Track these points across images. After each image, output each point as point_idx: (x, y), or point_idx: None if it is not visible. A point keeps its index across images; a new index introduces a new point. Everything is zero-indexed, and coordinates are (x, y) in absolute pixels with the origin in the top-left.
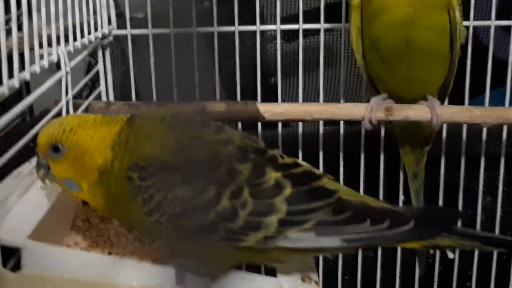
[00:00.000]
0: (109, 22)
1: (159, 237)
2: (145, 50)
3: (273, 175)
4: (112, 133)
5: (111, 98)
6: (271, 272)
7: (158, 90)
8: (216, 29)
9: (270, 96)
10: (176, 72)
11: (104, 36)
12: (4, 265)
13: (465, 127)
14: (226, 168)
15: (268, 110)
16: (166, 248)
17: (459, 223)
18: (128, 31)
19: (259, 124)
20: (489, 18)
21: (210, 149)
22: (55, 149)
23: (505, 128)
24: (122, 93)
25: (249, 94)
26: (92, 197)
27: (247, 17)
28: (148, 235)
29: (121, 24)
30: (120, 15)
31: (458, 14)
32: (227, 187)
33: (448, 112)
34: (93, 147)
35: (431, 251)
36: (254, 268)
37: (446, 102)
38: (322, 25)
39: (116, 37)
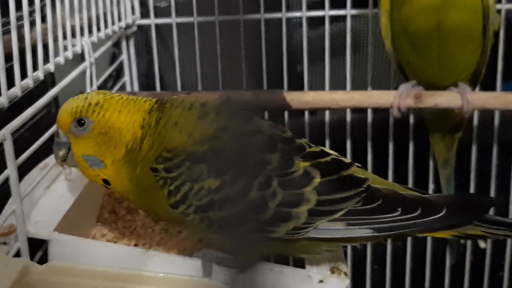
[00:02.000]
0: (133, 12)
1: (186, 228)
2: (169, 39)
3: (301, 165)
4: (142, 111)
5: (136, 88)
6: (299, 264)
7: (183, 80)
8: (241, 17)
9: (296, 84)
10: (201, 61)
11: (128, 26)
12: (32, 258)
13: (497, 114)
14: (255, 159)
15: (295, 98)
16: (192, 239)
17: (491, 212)
18: (152, 21)
19: (286, 112)
20: None
21: (238, 139)
22: (80, 123)
23: None
24: (147, 83)
25: (275, 83)
26: (115, 175)
27: (273, 4)
28: (174, 225)
29: (145, 14)
30: (143, 5)
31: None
32: (256, 178)
33: (480, 98)
34: (121, 121)
35: (462, 241)
36: (282, 260)
37: (477, 88)
38: (348, 11)
39: (140, 27)
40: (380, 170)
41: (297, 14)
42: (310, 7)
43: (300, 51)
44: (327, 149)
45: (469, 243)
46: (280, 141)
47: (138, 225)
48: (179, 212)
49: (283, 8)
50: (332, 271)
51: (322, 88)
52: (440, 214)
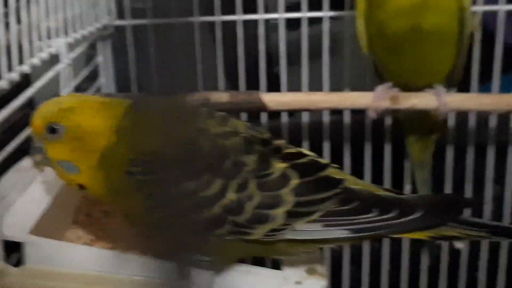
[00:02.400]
0: (109, 13)
1: (162, 231)
2: (146, 40)
3: (279, 166)
4: (116, 114)
5: (112, 90)
6: (276, 265)
7: (160, 81)
8: (218, 18)
9: (274, 86)
10: (178, 63)
11: (104, 27)
12: (7, 260)
13: (473, 115)
14: (231, 161)
15: (273, 100)
16: (169, 242)
17: (466, 213)
18: (128, 22)
19: (264, 114)
20: (497, 3)
21: (215, 141)
22: (52, 129)
23: None
24: (124, 85)
25: (253, 84)
26: (91, 180)
27: (250, 6)
28: (150, 229)
29: (121, 15)
30: (120, 5)
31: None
32: (233, 180)
33: (455, 100)
34: (95, 126)
35: (438, 242)
36: (259, 261)
37: (454, 90)
38: (325, 13)
39: (117, 28)
40: (357, 171)
41: (274, 15)
42: (287, 9)
43: (278, 53)
44: (304, 150)
45: (445, 244)
46: (257, 143)
47: (114, 228)
48: (155, 216)
49: (260, 10)
50: (309, 272)
51: (299, 89)
52: (416, 215)
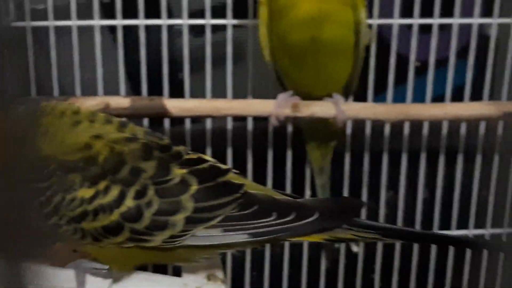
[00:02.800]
0: (8, 14)
1: (59, 239)
2: (46, 43)
3: (178, 172)
4: None
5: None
6: (177, 272)
7: (61, 85)
8: (120, 22)
9: (178, 92)
10: (79, 67)
11: (2, 29)
12: None
13: (368, 123)
14: (129, 167)
15: (176, 106)
16: (65, 251)
17: (363, 217)
18: (28, 23)
19: (167, 120)
20: (392, 16)
21: (112, 147)
22: None
23: (406, 124)
24: (23, 88)
25: (156, 90)
26: None
27: (155, 11)
28: (47, 237)
29: (21, 16)
30: (19, 6)
31: (363, 13)
32: (131, 186)
33: (352, 109)
34: None
35: (336, 245)
36: (160, 268)
37: (351, 99)
38: (229, 21)
39: (16, 30)
40: (260, 177)
41: (178, 21)
42: (192, 15)
43: (182, 59)
44: (204, 156)
45: (342, 247)
46: (157, 149)
47: None
48: (51, 224)
49: (164, 15)
50: (209, 278)
51: (203, 96)
52: (313, 218)
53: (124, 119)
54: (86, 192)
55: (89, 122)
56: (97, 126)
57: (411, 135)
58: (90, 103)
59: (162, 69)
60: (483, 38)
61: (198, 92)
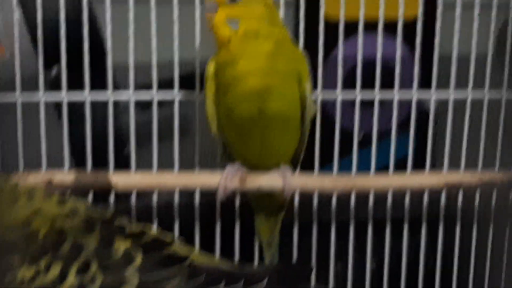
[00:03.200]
0: None
1: None
2: None
3: (122, 246)
4: None
5: None
6: None
7: (3, 160)
8: (65, 97)
9: (123, 167)
10: (23, 141)
11: None
12: None
13: (316, 195)
14: (71, 243)
15: (121, 180)
16: None
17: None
18: None
19: (112, 195)
20: (336, 90)
21: (52, 223)
22: None
23: (353, 195)
24: None
25: (101, 165)
26: None
27: (101, 85)
28: None
29: None
30: None
31: (308, 87)
32: (73, 262)
33: (299, 181)
34: None
35: None
36: None
37: (298, 171)
38: (176, 94)
39: None
40: (209, 250)
41: (124, 96)
42: (139, 89)
43: (128, 133)
44: (149, 228)
45: None
46: (99, 222)
47: None
48: None
49: (110, 91)
50: None
51: (149, 169)
52: (261, 285)
53: (64, 194)
54: (26, 272)
55: (28, 198)
56: (36, 202)
57: (358, 206)
58: (33, 179)
59: (108, 144)
60: (423, 111)
61: (144, 168)
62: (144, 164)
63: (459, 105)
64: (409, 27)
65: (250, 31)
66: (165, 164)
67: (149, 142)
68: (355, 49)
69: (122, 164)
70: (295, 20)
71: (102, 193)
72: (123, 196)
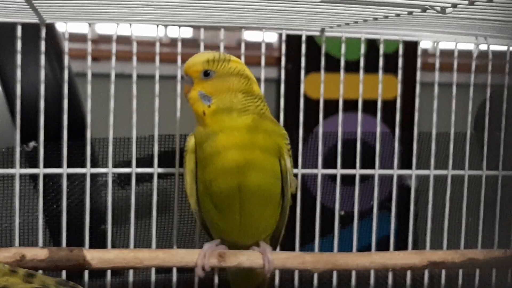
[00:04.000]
0: None
1: None
2: None
3: None
4: None
5: None
6: None
7: None
8: (41, 171)
9: (99, 244)
10: None
11: None
12: None
13: (296, 273)
14: None
15: (96, 256)
16: None
17: None
18: None
19: (86, 272)
20: (316, 167)
21: None
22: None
23: (334, 274)
24: None
25: (76, 241)
26: None
27: (79, 160)
28: None
29: None
30: None
31: (288, 163)
32: None
33: (279, 258)
34: None
35: None
36: None
37: (278, 248)
38: (155, 169)
39: None
40: None
41: (102, 170)
42: (118, 166)
43: (106, 209)
44: None
45: None
46: None
47: None
48: None
49: (88, 164)
50: None
51: (127, 246)
52: None
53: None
54: None
55: None
56: (2, 278)
57: (340, 285)
58: (3, 255)
59: (84, 220)
60: (404, 189)
61: (121, 244)
62: (121, 242)
63: (440, 182)
64: (389, 106)
65: (222, 107)
66: (143, 241)
67: (127, 219)
68: (336, 127)
69: (98, 242)
70: (276, 96)
71: (76, 269)
72: (98, 273)
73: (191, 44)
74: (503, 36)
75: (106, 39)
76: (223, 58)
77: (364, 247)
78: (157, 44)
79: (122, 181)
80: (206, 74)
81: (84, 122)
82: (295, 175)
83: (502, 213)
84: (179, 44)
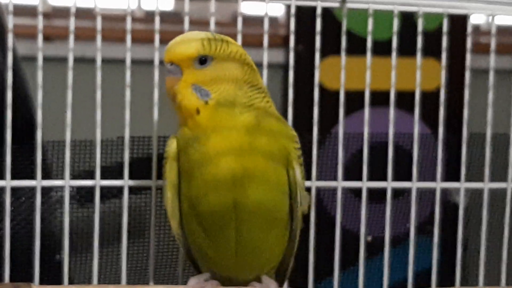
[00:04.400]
0: None
1: None
2: None
3: None
4: None
5: None
6: None
7: None
8: None
9: (54, 276)
10: None
11: None
12: None
13: None
14: None
15: None
16: None
17: None
18: None
19: None
20: (335, 178)
21: None
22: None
23: None
24: None
25: (24, 274)
26: None
27: (27, 169)
28: None
29: None
30: None
31: (299, 173)
32: None
33: None
34: None
35: None
36: None
37: (286, 284)
38: (126, 181)
39: None
40: None
41: (58, 182)
42: (76, 176)
43: (62, 233)
44: None
45: None
46: None
47: None
48: None
49: (39, 175)
50: None
51: (89, 282)
52: None
53: None
54: None
55: None
56: None
57: None
58: None
59: (34, 247)
60: (450, 207)
61: (82, 276)
62: (81, 275)
63: (497, 198)
64: (430, 100)
65: (223, 102)
66: (110, 274)
67: (90, 246)
68: (361, 126)
69: (52, 274)
70: (283, 87)
71: None
72: None
73: (172, 19)
74: None
75: (62, 12)
76: (220, 39)
77: (398, 283)
78: (128, 19)
79: (82, 196)
80: (202, 61)
81: (33, 120)
82: (308, 189)
83: None
84: (157, 20)
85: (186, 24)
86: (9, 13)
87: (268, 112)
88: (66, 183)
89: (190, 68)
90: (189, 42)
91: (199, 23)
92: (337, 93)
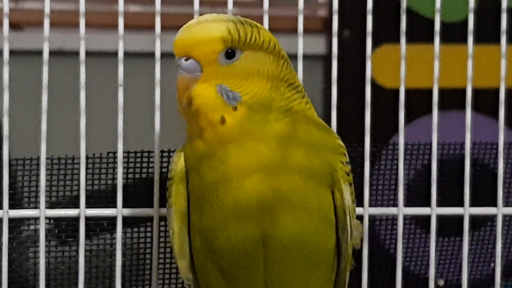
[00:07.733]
0: None
1: None
2: None
3: None
4: None
5: None
6: None
7: None
8: None
9: None
10: None
11: None
12: None
13: None
14: None
15: None
16: None
17: None
18: None
19: None
20: (395, 204)
21: None
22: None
23: None
24: None
25: None
26: None
27: None
28: None
29: None
30: None
31: (348, 196)
32: None
33: None
34: None
35: None
36: None
37: None
38: (119, 210)
39: None
40: None
41: (32, 212)
42: (54, 204)
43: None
44: None
45: None
46: None
47: None
48: None
49: (5, 203)
50: None
51: None
52: None
53: None
54: None
55: None
56: None
57: None
58: None
59: None
60: None
61: None
62: None
63: None
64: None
65: (256, 108)
66: None
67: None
68: (428, 135)
69: None
70: (325, 84)
71: None
72: None
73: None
74: None
75: None
76: (249, 23)
77: None
78: (120, 1)
79: (63, 231)
80: (230, 55)
81: None
82: (359, 218)
83: None
84: (157, 0)
85: (196, 4)
86: None
87: (307, 116)
88: (42, 213)
89: (213, 64)
90: (211, 29)
91: (213, 3)
92: (395, 92)
